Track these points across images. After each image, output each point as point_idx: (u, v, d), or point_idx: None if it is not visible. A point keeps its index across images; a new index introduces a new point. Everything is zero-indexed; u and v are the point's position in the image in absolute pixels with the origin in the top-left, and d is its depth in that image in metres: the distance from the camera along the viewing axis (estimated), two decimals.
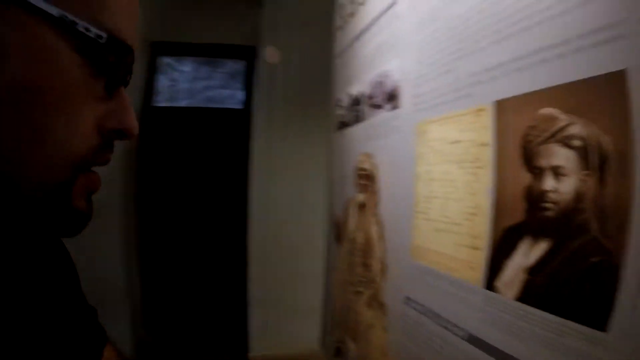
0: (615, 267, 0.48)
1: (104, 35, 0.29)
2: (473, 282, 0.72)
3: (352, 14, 1.35)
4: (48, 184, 0.29)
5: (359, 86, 1.23)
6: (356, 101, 1.23)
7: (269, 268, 2.27)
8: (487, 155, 0.71)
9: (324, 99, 1.70)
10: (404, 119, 0.98)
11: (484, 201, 0.71)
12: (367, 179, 1.15)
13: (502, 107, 0.68)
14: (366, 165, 1.15)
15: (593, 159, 0.52)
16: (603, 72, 0.51)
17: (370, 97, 1.14)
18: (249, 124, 2.50)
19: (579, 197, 0.54)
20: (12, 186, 0.27)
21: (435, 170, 0.85)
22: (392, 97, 1.04)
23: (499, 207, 0.68)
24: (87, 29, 0.28)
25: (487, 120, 0.71)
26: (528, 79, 0.63)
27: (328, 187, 1.56)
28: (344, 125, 1.37)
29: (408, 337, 0.90)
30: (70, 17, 0.27)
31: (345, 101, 1.35)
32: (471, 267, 0.73)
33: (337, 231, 1.40)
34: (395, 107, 1.02)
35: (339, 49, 1.51)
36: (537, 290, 0.59)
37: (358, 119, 1.22)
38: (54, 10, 0.26)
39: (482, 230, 0.71)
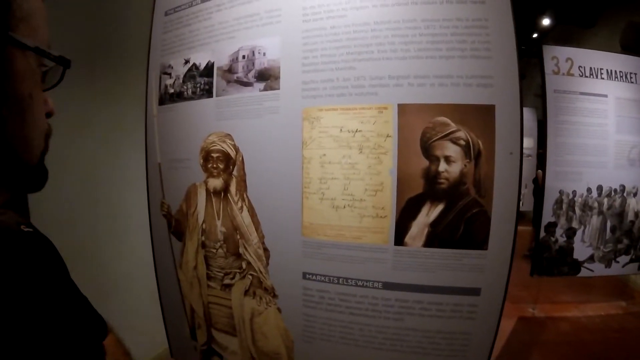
0: (487, 214, 0.90)
1: (57, 55, 0.45)
2: (381, 243, 0.97)
3: None
4: (37, 151, 0.45)
5: (209, 55, 1.05)
6: (206, 72, 1.04)
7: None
8: (390, 144, 0.95)
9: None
10: (286, 101, 1.01)
11: (387, 180, 0.96)
12: (223, 161, 1.06)
13: (404, 109, 0.94)
14: (222, 147, 1.05)
15: (472, 153, 0.91)
16: (481, 102, 0.90)
17: (232, 71, 1.03)
18: None
19: (463, 175, 0.92)
20: (17, 157, 0.42)
21: (333, 155, 0.99)
22: (264, 77, 1.02)
23: (401, 184, 0.95)
24: (50, 53, 0.44)
25: (390, 117, 0.95)
26: (428, 94, 0.93)
27: (151, 173, 1.18)
28: (175, 97, 1.10)
29: (313, 307, 1.02)
30: (42, 47, 0.42)
31: (180, 70, 1.09)
32: (378, 232, 0.97)
33: (176, 224, 1.13)
34: (270, 88, 1.02)
35: (168, 5, 1.17)
36: (438, 237, 0.94)
37: (208, 93, 1.05)
38: (31, 43, 0.41)
39: (386, 202, 0.96)
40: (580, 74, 2.41)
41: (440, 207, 0.95)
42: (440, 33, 0.93)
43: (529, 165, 5.50)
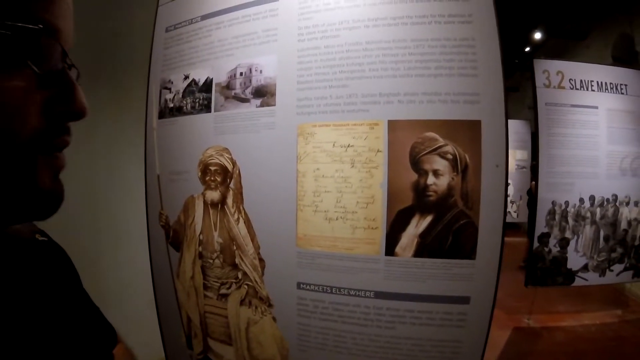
0: (474, 225, 0.95)
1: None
2: (372, 253, 1.01)
3: None
4: (6, 166, 0.32)
5: (208, 71, 1.11)
6: (205, 88, 1.10)
7: None
8: (381, 159, 1.00)
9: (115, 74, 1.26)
10: (281, 118, 1.07)
11: (378, 193, 1.01)
12: (220, 175, 1.10)
13: (394, 125, 1.00)
14: (220, 160, 1.10)
15: (459, 166, 0.96)
16: (467, 118, 0.95)
17: (230, 87, 1.09)
18: None
19: (450, 188, 0.97)
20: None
21: (326, 169, 1.04)
22: (261, 93, 1.07)
23: (392, 196, 1.00)
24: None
25: (381, 133, 1.00)
26: (417, 110, 0.98)
27: (150, 185, 1.22)
28: (175, 112, 1.15)
29: (307, 317, 1.06)
30: None
31: (180, 85, 1.14)
32: (369, 243, 1.02)
33: (173, 234, 1.18)
34: (267, 105, 1.07)
35: (169, 22, 1.23)
36: (427, 247, 0.98)
37: (207, 108, 1.10)
38: None
39: (377, 214, 1.01)
40: (571, 87, 2.49)
41: (429, 219, 0.99)
42: (429, 52, 0.98)
43: (524, 177, 5.58)
